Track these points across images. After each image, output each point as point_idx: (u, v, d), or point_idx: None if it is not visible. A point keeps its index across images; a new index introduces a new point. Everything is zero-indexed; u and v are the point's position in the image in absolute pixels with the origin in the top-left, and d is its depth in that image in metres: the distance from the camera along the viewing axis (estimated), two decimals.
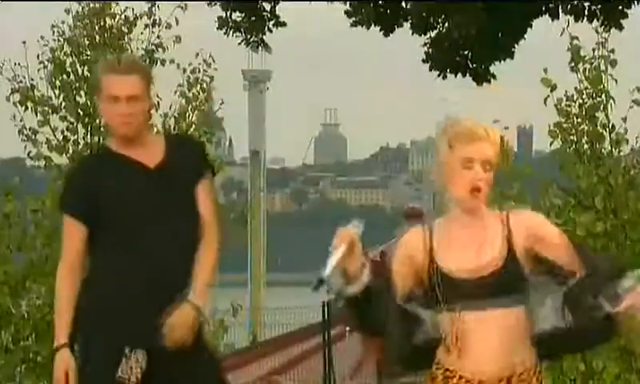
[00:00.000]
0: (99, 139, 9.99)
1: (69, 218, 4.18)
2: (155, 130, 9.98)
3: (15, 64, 10.03)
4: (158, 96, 10.06)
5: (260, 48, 10.58)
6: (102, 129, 10.00)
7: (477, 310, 3.62)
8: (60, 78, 10.03)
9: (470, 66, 9.34)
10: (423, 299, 3.70)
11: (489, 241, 3.66)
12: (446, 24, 9.38)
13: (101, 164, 4.25)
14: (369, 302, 3.65)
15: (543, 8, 9.44)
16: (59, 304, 4.19)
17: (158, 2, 10.30)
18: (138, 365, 4.06)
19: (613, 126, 9.98)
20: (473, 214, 3.68)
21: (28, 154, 10.09)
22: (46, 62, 10.09)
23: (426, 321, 3.67)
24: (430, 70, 9.44)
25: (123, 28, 10.21)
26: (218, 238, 4.23)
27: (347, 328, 11.92)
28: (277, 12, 10.19)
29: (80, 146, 10.03)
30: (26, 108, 10.01)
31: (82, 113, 10.02)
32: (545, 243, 3.65)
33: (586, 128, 9.93)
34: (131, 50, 10.10)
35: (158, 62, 10.18)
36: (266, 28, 10.26)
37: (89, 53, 10.08)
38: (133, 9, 10.34)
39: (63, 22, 10.21)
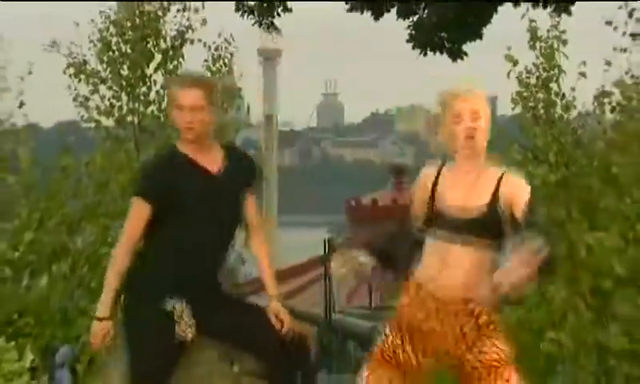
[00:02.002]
0: (139, 106, 10.02)
1: (142, 201, 4.07)
2: None
3: (70, 43, 10.07)
4: (188, 70, 10.12)
5: (270, 29, 10.52)
6: (141, 97, 10.03)
7: (458, 243, 3.60)
8: (107, 55, 10.03)
9: (446, 45, 9.32)
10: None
11: (479, 187, 3.61)
12: (426, 10, 9.36)
13: (173, 163, 4.17)
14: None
15: None
16: (112, 280, 4.06)
17: None
18: (189, 320, 4.02)
19: (563, 94, 10.05)
20: (472, 161, 3.63)
21: (81, 118, 10.10)
22: (95, 41, 10.08)
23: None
24: (413, 48, 9.41)
25: (159, 12, 10.19)
26: (263, 239, 4.33)
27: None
28: None
29: (124, 111, 10.05)
30: (79, 80, 10.02)
31: (125, 83, 10.02)
32: (517, 205, 3.58)
33: (541, 96, 10.01)
34: (165, 31, 10.10)
35: (188, 42, 10.18)
36: (276, 12, 10.20)
37: (130, 33, 10.07)
38: None
39: (110, 8, 10.22)
